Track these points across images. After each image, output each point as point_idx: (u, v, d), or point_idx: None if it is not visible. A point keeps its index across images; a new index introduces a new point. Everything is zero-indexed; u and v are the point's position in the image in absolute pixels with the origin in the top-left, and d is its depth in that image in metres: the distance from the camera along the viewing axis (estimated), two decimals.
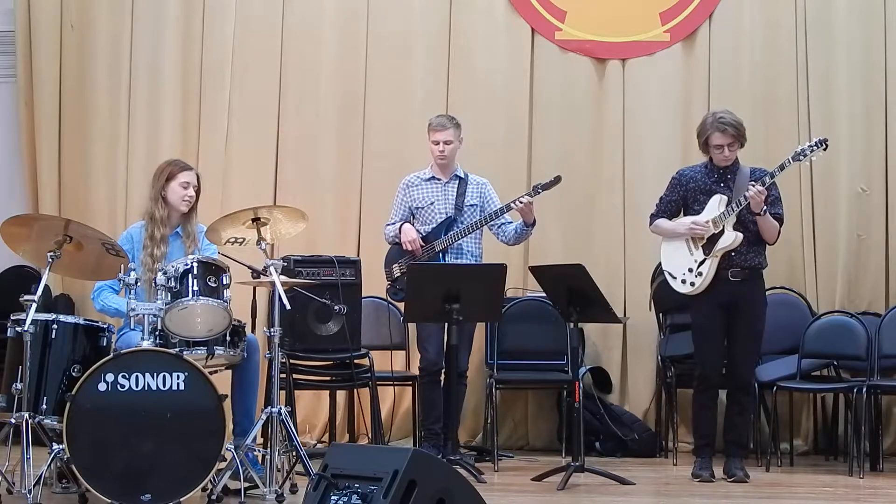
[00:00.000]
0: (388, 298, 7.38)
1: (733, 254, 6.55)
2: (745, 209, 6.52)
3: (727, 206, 6.55)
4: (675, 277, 6.68)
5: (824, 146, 6.55)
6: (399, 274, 7.13)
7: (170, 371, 5.29)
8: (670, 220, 6.75)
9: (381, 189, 7.79)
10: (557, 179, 7.02)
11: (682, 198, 6.71)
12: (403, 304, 7.21)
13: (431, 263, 6.98)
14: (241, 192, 7.99)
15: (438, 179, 7.23)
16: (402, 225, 7.16)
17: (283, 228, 6.01)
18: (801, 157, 6.55)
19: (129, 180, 8.28)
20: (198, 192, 6.20)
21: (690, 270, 6.61)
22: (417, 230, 7.16)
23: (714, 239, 6.55)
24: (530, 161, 8.12)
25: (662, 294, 7.30)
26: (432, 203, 7.19)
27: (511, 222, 7.16)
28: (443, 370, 7.01)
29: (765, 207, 6.49)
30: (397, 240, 7.18)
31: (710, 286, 6.56)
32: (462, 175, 7.26)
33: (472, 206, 7.20)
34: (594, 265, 6.99)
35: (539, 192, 7.02)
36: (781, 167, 6.52)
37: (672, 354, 7.57)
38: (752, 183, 6.44)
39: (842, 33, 7.94)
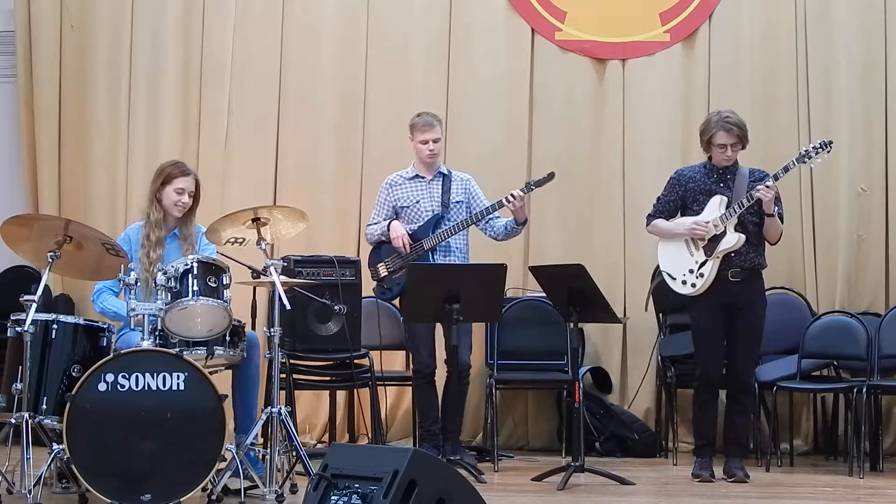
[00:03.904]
0: (376, 298, 7.35)
1: (733, 255, 6.55)
2: (745, 210, 6.52)
3: (728, 207, 6.55)
4: (674, 278, 6.67)
5: (828, 148, 6.55)
6: (385, 273, 7.12)
7: (170, 371, 5.29)
8: (668, 220, 6.75)
9: None
10: (551, 176, 7.00)
11: (681, 198, 6.70)
12: (399, 303, 7.23)
13: (431, 264, 6.97)
14: (241, 192, 7.99)
15: (422, 178, 7.21)
16: (389, 223, 7.14)
17: (283, 228, 6.01)
18: (806, 160, 6.54)
19: (129, 180, 8.27)
20: (196, 196, 6.17)
21: (691, 272, 6.60)
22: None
23: (715, 240, 6.55)
24: (530, 161, 8.12)
25: (661, 294, 7.30)
26: (418, 201, 7.16)
27: (499, 218, 7.14)
28: (436, 370, 7.03)
29: (776, 208, 6.50)
30: (383, 238, 7.15)
31: (711, 287, 6.56)
32: (445, 172, 7.23)
33: (457, 202, 7.18)
34: (594, 265, 6.99)
35: (532, 189, 7.01)
36: (786, 169, 6.52)
37: (672, 354, 7.57)
38: (761, 186, 6.43)
39: (842, 33, 7.94)
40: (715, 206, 6.59)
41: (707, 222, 6.55)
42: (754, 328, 6.64)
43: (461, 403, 7.03)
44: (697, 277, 6.58)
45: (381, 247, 7.17)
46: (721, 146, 6.57)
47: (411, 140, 7.18)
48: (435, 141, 7.11)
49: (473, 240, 7.26)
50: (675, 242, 6.69)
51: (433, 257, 7.05)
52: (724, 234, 6.54)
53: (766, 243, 6.68)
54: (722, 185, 6.63)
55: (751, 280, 6.61)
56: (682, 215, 6.72)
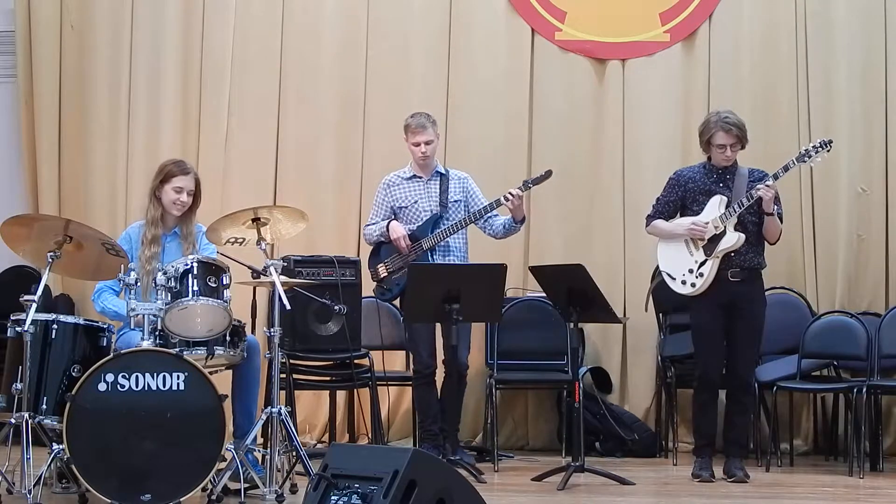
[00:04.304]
0: (377, 299, 7.36)
1: (733, 254, 6.55)
2: (745, 210, 6.52)
3: (727, 207, 6.55)
4: (674, 278, 6.67)
5: (828, 147, 6.56)
6: (385, 274, 7.12)
7: (170, 371, 5.29)
8: (667, 220, 6.75)
9: None
10: (548, 174, 7.01)
11: (680, 198, 6.70)
12: (399, 303, 7.23)
13: (432, 264, 6.97)
14: (241, 192, 7.99)
15: (420, 178, 7.21)
16: (388, 223, 7.14)
17: (283, 228, 6.01)
18: (806, 159, 6.55)
19: (129, 180, 8.28)
20: (196, 196, 6.16)
21: (691, 271, 6.60)
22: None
23: (715, 239, 6.55)
24: (530, 161, 8.11)
25: (662, 294, 7.30)
26: (416, 202, 7.16)
27: (497, 216, 7.14)
28: (436, 370, 7.03)
29: (775, 207, 6.50)
30: (382, 239, 7.15)
31: (710, 287, 6.56)
32: (443, 171, 7.23)
33: (456, 202, 7.19)
34: (594, 265, 6.99)
35: (529, 187, 7.02)
36: (786, 168, 6.52)
37: (672, 354, 7.57)
38: (761, 185, 6.44)
39: (842, 33, 7.93)
40: (714, 206, 6.59)
41: (706, 223, 6.55)
42: (754, 328, 6.64)
43: (459, 404, 7.02)
44: (697, 277, 6.58)
45: (381, 247, 7.17)
46: (720, 146, 6.57)
47: (406, 141, 7.18)
48: (427, 143, 7.10)
49: (473, 239, 7.26)
50: (674, 242, 6.69)
51: (432, 257, 7.05)
52: (723, 233, 6.54)
53: (766, 243, 6.69)
54: (721, 185, 6.63)
55: (751, 280, 6.61)
56: (682, 216, 6.72)
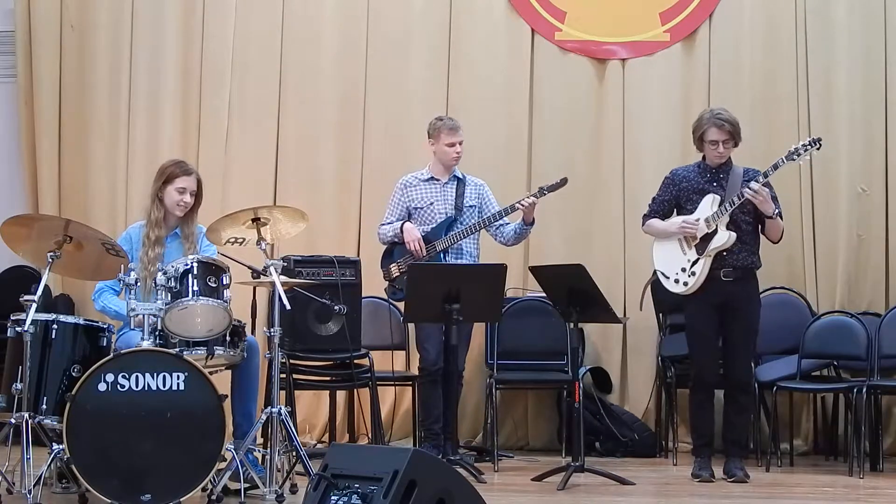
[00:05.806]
0: (388, 298, 7.38)
1: (725, 253, 6.55)
2: (738, 208, 6.52)
3: (720, 205, 6.55)
4: (667, 277, 6.68)
5: (817, 145, 6.56)
6: (398, 274, 7.13)
7: (170, 371, 5.28)
8: (663, 220, 6.75)
9: (381, 189, 7.77)
10: (564, 181, 7.04)
11: (674, 197, 6.71)
12: (403, 303, 7.24)
13: (432, 263, 6.98)
14: (241, 192, 7.99)
15: (437, 180, 7.23)
16: (403, 224, 7.15)
17: (283, 228, 6.01)
18: (795, 157, 6.55)
19: (129, 180, 8.28)
20: (198, 196, 6.17)
21: (683, 270, 6.61)
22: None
23: (707, 238, 6.55)
24: (530, 161, 8.12)
25: (661, 294, 7.30)
26: (432, 203, 7.18)
27: (509, 223, 7.16)
28: (441, 369, 7.02)
29: (775, 209, 6.50)
30: (396, 239, 7.17)
31: (703, 286, 6.55)
32: (460, 176, 7.26)
33: (471, 206, 7.21)
34: (594, 265, 6.99)
35: (545, 194, 7.04)
36: (775, 166, 6.53)
37: (671, 354, 7.57)
38: (747, 188, 6.43)
39: (842, 33, 7.94)
40: (707, 205, 6.59)
41: (696, 220, 6.56)
42: (749, 328, 6.64)
43: (457, 404, 7.02)
44: (689, 276, 6.58)
45: (395, 248, 7.18)
46: (713, 142, 6.58)
47: (433, 143, 7.18)
48: (461, 144, 7.13)
49: (482, 242, 7.26)
50: (669, 242, 6.70)
51: (445, 259, 7.07)
52: (715, 232, 6.55)
53: (769, 242, 6.69)
54: (715, 184, 6.64)
55: (744, 279, 6.61)
56: (677, 215, 6.72)
